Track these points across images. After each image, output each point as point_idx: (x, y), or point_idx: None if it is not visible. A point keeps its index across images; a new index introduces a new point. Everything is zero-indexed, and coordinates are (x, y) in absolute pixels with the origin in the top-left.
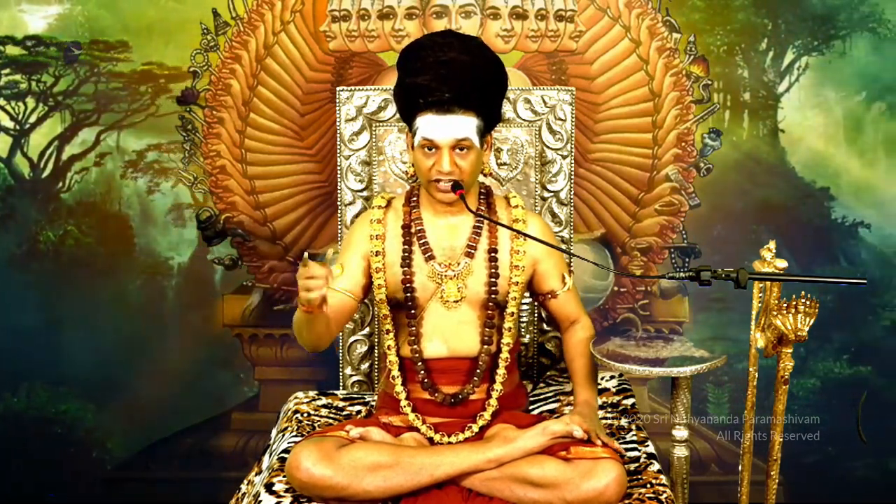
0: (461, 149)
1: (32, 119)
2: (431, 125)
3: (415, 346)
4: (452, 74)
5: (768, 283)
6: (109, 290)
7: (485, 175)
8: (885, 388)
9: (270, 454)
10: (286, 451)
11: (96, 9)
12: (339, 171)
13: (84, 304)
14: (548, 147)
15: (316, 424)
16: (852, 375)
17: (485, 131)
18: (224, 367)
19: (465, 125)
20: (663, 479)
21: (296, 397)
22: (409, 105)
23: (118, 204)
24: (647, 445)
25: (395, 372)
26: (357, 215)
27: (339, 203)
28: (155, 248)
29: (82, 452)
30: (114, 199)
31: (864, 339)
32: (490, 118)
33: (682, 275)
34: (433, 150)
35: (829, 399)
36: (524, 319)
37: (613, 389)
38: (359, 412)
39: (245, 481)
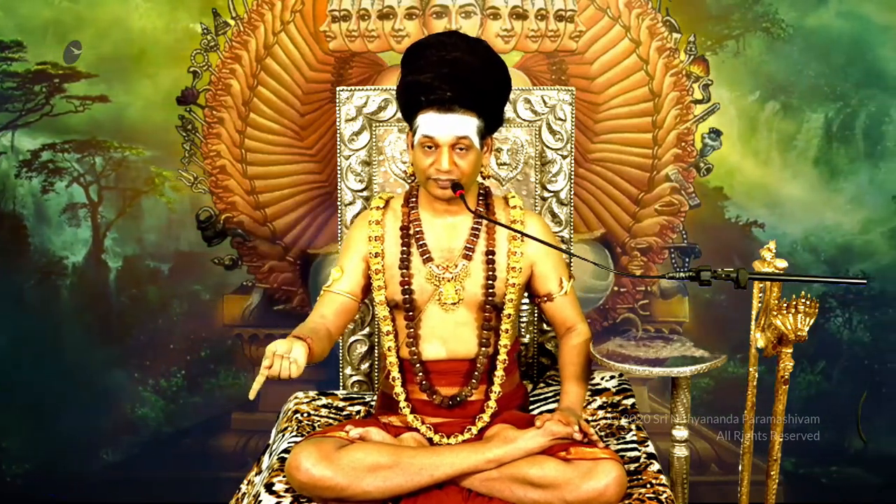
0: (461, 148)
1: None
2: (432, 123)
3: (413, 349)
4: (455, 74)
5: (768, 283)
6: (4, 290)
7: (484, 178)
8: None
9: (270, 454)
10: (286, 451)
11: None
12: (339, 171)
13: None
14: (548, 147)
15: (316, 424)
16: (744, 375)
17: (485, 133)
18: (125, 369)
19: (465, 124)
20: (663, 479)
21: (296, 397)
22: (411, 103)
23: (12, 203)
24: (647, 445)
25: (395, 373)
26: (357, 215)
27: (339, 203)
28: (49, 248)
29: None
30: (8, 198)
31: None
32: (491, 120)
33: (682, 275)
34: (433, 148)
35: (724, 398)
36: (524, 320)
37: (613, 389)
38: (359, 412)
39: (245, 481)
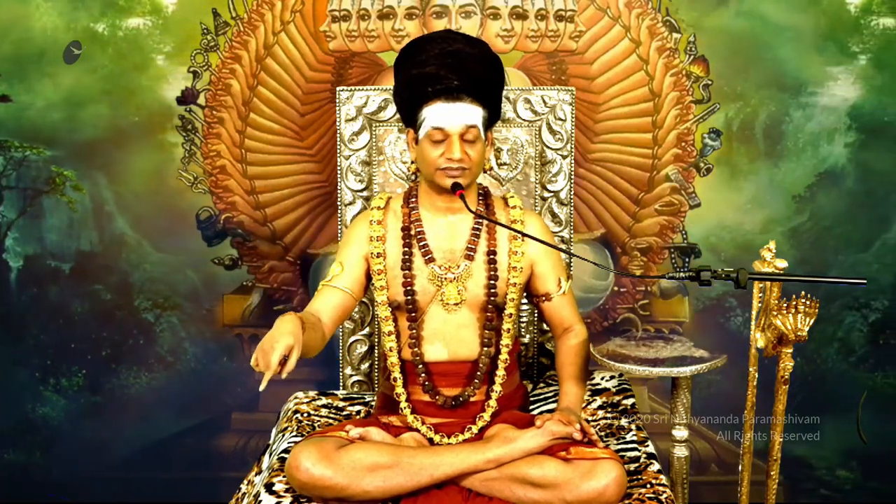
0: (469, 138)
1: None
2: (441, 113)
3: (415, 350)
4: (459, 64)
5: (768, 283)
6: None
7: (485, 171)
8: (698, 386)
9: (270, 454)
10: (286, 451)
11: None
12: (339, 171)
13: None
14: (548, 147)
15: (316, 424)
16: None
17: (488, 125)
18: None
19: (472, 113)
20: (663, 479)
21: (296, 397)
22: (415, 97)
23: None
24: (647, 445)
25: (396, 374)
26: (357, 215)
27: (339, 203)
28: None
29: None
30: None
31: None
32: (492, 113)
33: (682, 275)
34: (441, 140)
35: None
36: (524, 320)
37: (613, 389)
38: (359, 412)
39: (245, 481)
